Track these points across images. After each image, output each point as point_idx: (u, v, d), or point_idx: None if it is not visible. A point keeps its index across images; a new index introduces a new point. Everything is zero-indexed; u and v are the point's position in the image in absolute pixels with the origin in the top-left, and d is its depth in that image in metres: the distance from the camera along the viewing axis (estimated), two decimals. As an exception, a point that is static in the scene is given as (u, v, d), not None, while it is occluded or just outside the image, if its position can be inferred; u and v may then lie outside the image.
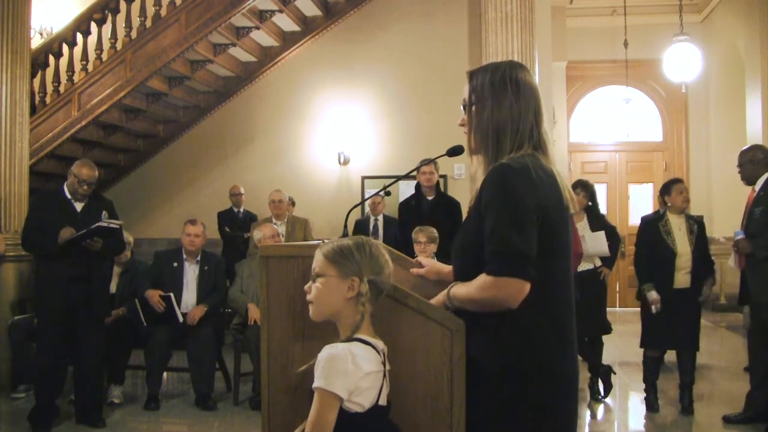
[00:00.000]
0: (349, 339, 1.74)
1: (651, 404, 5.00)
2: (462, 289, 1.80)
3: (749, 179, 4.71)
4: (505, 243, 1.71)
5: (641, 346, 5.11)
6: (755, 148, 4.85)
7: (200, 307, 5.37)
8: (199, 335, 5.26)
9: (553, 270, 1.80)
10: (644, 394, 5.08)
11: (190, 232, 5.50)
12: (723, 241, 4.78)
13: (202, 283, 5.52)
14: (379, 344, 1.76)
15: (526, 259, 1.71)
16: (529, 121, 1.84)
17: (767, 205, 4.49)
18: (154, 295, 5.27)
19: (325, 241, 2.04)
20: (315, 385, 1.68)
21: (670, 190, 5.02)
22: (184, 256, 5.55)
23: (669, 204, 5.02)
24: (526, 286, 1.71)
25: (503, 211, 1.73)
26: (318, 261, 1.80)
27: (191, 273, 5.54)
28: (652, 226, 5.03)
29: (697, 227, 4.95)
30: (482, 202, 1.78)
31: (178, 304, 5.31)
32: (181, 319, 5.26)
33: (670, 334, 4.86)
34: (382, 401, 1.73)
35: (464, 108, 1.92)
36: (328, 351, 1.71)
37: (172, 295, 5.26)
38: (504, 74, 1.86)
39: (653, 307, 4.83)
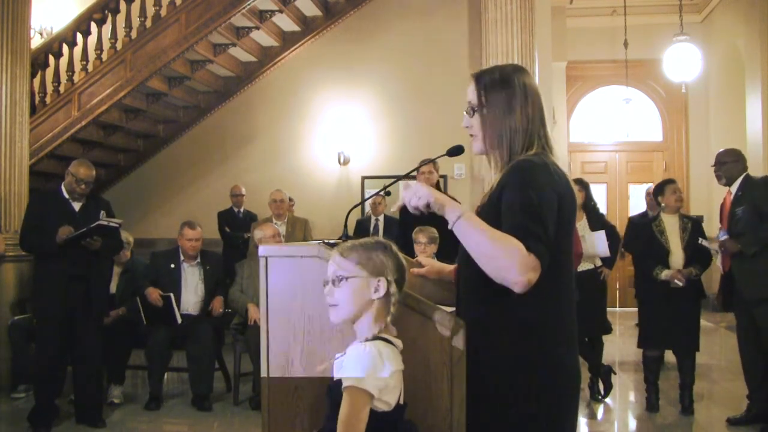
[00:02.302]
0: (375, 338, 1.73)
1: (652, 404, 5.00)
2: (482, 226, 1.71)
3: (730, 179, 4.77)
4: (535, 228, 1.70)
5: (639, 347, 5.13)
6: (733, 150, 4.92)
7: (218, 298, 5.49)
8: (199, 336, 5.25)
9: (561, 266, 1.81)
10: (644, 394, 5.08)
11: (190, 237, 5.50)
12: (705, 244, 4.80)
13: (208, 283, 5.57)
14: (399, 344, 1.76)
15: (548, 252, 1.71)
16: (536, 123, 1.88)
17: (748, 204, 4.56)
18: (153, 292, 5.28)
19: (326, 241, 2.04)
20: (346, 384, 1.65)
21: (663, 190, 5.06)
22: (182, 258, 5.54)
23: (663, 204, 5.06)
24: (537, 276, 1.70)
25: (529, 201, 1.72)
26: (339, 263, 1.77)
27: (191, 275, 5.55)
28: (646, 226, 5.06)
29: (691, 226, 4.97)
30: (504, 197, 1.76)
31: (178, 306, 5.32)
32: (179, 320, 5.25)
33: (668, 333, 4.87)
34: (401, 400, 1.73)
35: (472, 110, 1.91)
36: (356, 349, 1.70)
37: (171, 295, 5.26)
38: (512, 78, 1.89)
39: (677, 281, 4.79)
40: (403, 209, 6.44)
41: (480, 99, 1.90)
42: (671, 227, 4.97)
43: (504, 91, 1.87)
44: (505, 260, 1.67)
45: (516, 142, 1.85)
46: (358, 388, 1.64)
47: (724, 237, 4.67)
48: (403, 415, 1.74)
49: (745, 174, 4.74)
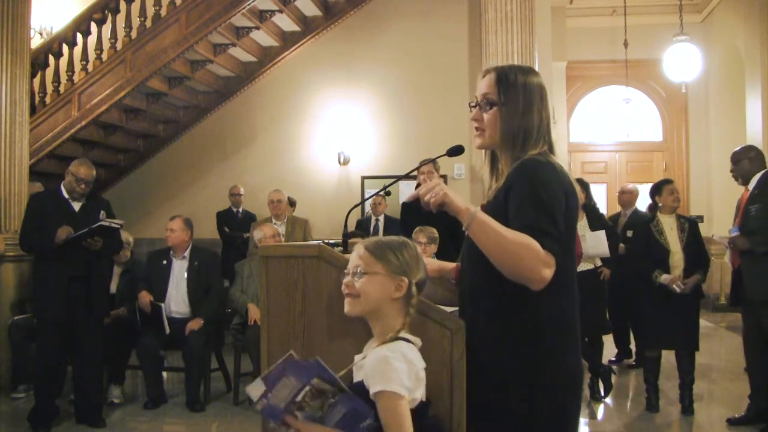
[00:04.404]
0: (394, 339, 1.73)
1: (652, 404, 5.00)
2: (497, 226, 1.72)
3: (745, 177, 4.68)
4: (547, 226, 1.72)
5: (639, 347, 5.12)
6: (749, 147, 4.84)
7: (197, 320, 5.27)
8: (187, 341, 5.17)
9: (565, 265, 1.82)
10: (644, 394, 5.08)
11: (168, 226, 5.49)
12: (717, 239, 4.77)
13: (192, 279, 5.41)
14: (418, 342, 1.76)
15: (560, 248, 1.74)
16: (545, 124, 1.91)
17: (763, 203, 4.50)
18: (144, 297, 5.25)
19: (326, 241, 2.04)
20: (375, 390, 1.64)
21: (661, 190, 5.03)
22: (171, 253, 5.51)
23: (660, 204, 5.03)
24: (552, 273, 1.72)
25: (539, 199, 1.74)
26: (363, 257, 1.77)
27: (179, 269, 5.46)
28: (644, 227, 5.06)
29: (688, 226, 4.97)
30: (513, 196, 1.78)
31: (165, 302, 5.30)
32: (168, 330, 5.19)
33: (667, 333, 4.86)
34: (423, 397, 1.73)
35: (489, 105, 1.91)
36: (378, 354, 1.69)
37: (162, 306, 5.21)
38: (532, 78, 1.92)
39: (675, 286, 4.78)
40: (404, 208, 6.45)
41: (500, 95, 1.89)
42: (669, 227, 4.95)
43: (524, 90, 1.89)
44: (523, 259, 1.69)
45: (529, 141, 1.87)
46: (391, 392, 1.63)
47: (735, 234, 4.61)
48: (427, 413, 1.74)
49: (764, 171, 4.62)
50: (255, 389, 1.67)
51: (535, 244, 1.69)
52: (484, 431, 1.82)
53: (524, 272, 1.70)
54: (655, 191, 5.09)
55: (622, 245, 5.92)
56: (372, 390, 1.65)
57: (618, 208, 7.25)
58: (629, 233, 5.94)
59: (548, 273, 1.70)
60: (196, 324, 5.25)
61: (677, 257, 4.89)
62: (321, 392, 1.63)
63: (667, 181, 5.18)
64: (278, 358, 1.84)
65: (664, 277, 4.82)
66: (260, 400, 1.67)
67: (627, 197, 6.97)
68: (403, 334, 1.75)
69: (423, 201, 1.78)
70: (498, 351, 1.80)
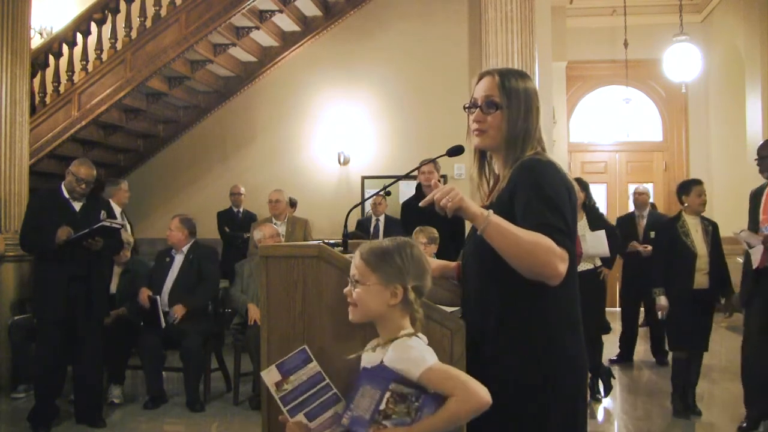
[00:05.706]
0: (403, 335, 1.75)
1: (677, 410, 4.89)
2: (512, 227, 1.76)
3: None
4: (558, 223, 1.76)
5: (670, 348, 5.07)
6: None
7: (179, 306, 5.30)
8: (184, 341, 5.18)
9: (571, 262, 1.83)
10: (644, 395, 5.06)
11: (168, 226, 5.63)
12: (742, 237, 4.62)
13: (183, 272, 5.49)
14: (425, 339, 1.77)
15: (572, 243, 1.79)
16: (539, 126, 1.96)
17: None
18: (143, 293, 5.29)
19: (326, 241, 2.04)
20: (418, 374, 1.64)
21: (689, 190, 4.90)
22: (173, 251, 5.62)
23: (686, 204, 4.92)
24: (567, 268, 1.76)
25: (546, 197, 1.78)
26: (357, 267, 1.77)
27: (177, 264, 5.56)
28: (669, 227, 4.98)
29: (711, 228, 4.90)
30: (519, 195, 1.81)
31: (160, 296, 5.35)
32: (163, 324, 5.22)
33: (692, 334, 4.82)
34: None
35: (494, 107, 1.92)
36: (400, 344, 1.71)
37: (158, 298, 5.26)
38: (528, 83, 1.97)
39: (660, 313, 4.83)
40: (405, 208, 6.45)
41: (503, 97, 1.92)
42: (695, 229, 4.85)
43: (525, 94, 1.94)
44: (540, 257, 1.73)
45: (527, 143, 1.91)
46: (431, 366, 1.65)
47: None
48: None
49: None
50: (269, 376, 1.73)
51: (550, 241, 1.73)
52: (492, 431, 1.82)
53: (542, 269, 1.73)
54: (683, 191, 4.95)
55: (648, 247, 5.86)
56: (415, 376, 1.64)
57: (620, 209, 7.27)
58: (652, 234, 5.87)
59: (564, 268, 1.74)
60: (178, 310, 5.26)
61: (703, 260, 4.79)
62: (403, 396, 1.61)
63: (696, 182, 5.03)
64: (278, 359, 1.85)
65: (660, 299, 4.84)
66: (344, 414, 1.66)
67: (644, 198, 6.97)
68: (412, 332, 1.76)
69: (438, 206, 1.79)
70: (507, 350, 1.82)
